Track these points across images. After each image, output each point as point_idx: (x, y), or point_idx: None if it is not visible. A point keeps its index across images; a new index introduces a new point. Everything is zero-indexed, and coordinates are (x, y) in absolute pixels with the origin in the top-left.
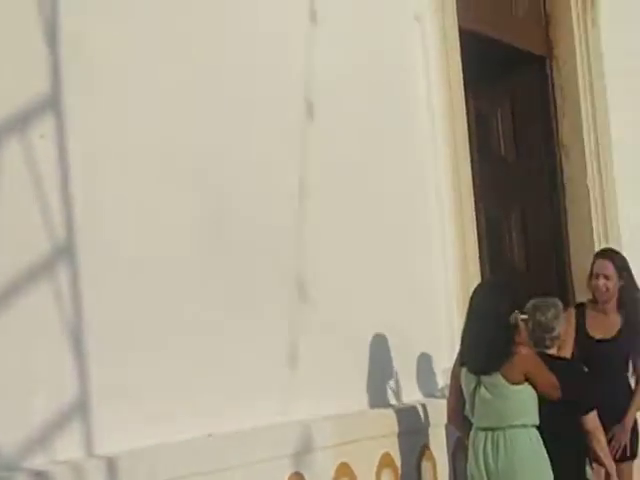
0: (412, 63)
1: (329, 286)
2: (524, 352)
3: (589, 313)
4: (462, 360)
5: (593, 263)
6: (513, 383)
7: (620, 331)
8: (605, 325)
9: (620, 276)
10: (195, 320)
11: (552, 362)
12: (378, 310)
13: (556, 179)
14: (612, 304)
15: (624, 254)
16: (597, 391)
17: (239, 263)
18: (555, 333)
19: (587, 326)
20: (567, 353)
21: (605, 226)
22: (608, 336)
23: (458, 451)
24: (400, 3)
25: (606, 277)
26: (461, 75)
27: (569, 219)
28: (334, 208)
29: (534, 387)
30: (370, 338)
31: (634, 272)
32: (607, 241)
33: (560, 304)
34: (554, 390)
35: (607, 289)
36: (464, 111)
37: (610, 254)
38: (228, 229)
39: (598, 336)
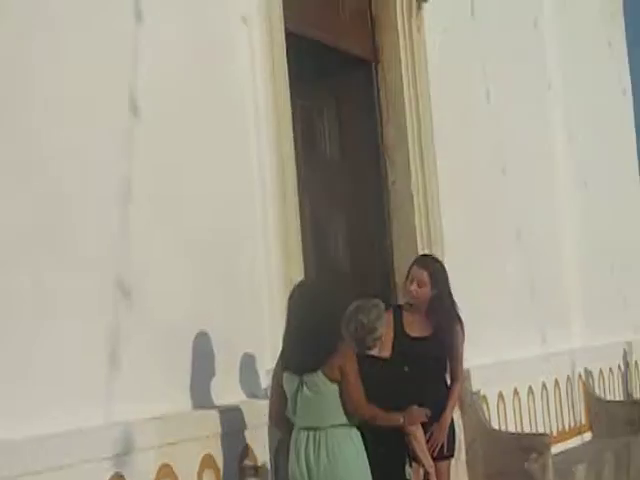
0: (239, 65)
1: (151, 286)
2: (344, 349)
3: (406, 314)
4: (284, 361)
5: (411, 267)
6: (334, 381)
7: (436, 331)
8: (422, 325)
9: (434, 285)
10: (14, 321)
11: (373, 363)
12: (200, 311)
13: (381, 183)
14: (424, 308)
15: (446, 259)
16: (416, 390)
17: (59, 262)
18: (377, 334)
19: (405, 326)
20: (386, 354)
21: (428, 230)
22: (425, 334)
23: (280, 452)
24: (227, 4)
25: (419, 284)
26: (287, 78)
27: (393, 222)
28: (156, 208)
29: (343, 390)
30: (193, 339)
31: (456, 275)
32: (430, 245)
33: (382, 305)
34: (357, 404)
35: (417, 295)
36: (290, 114)
37: (428, 262)
38: (49, 226)
39: (416, 334)
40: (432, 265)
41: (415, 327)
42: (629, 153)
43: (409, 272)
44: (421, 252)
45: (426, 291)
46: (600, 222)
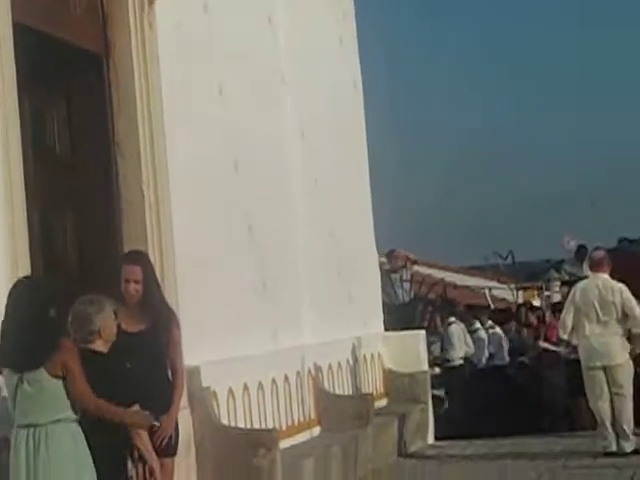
0: None
1: None
2: (67, 344)
3: (122, 309)
4: (1, 357)
5: (122, 266)
6: (55, 376)
7: (152, 325)
8: (137, 319)
9: (147, 280)
10: None
11: (92, 357)
12: None
13: (111, 180)
14: (138, 303)
15: (177, 254)
16: (138, 386)
17: None
18: (94, 327)
19: (121, 321)
20: (106, 348)
21: (159, 225)
22: (141, 329)
23: (3, 452)
24: None
25: (136, 282)
26: (15, 72)
27: (124, 220)
28: None
29: (68, 386)
30: None
31: (187, 271)
32: (160, 241)
33: (105, 301)
34: (82, 397)
35: (137, 292)
36: (17, 110)
37: (139, 258)
38: None
39: (132, 330)
40: (143, 260)
41: (131, 322)
42: (360, 151)
43: (122, 272)
44: (151, 248)
45: (141, 287)
46: (329, 219)
